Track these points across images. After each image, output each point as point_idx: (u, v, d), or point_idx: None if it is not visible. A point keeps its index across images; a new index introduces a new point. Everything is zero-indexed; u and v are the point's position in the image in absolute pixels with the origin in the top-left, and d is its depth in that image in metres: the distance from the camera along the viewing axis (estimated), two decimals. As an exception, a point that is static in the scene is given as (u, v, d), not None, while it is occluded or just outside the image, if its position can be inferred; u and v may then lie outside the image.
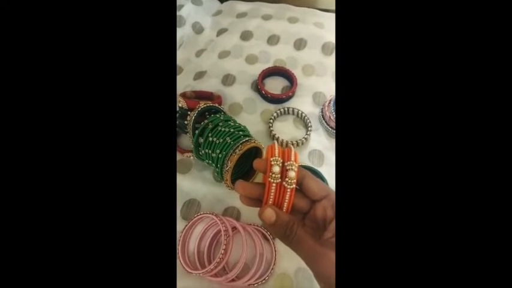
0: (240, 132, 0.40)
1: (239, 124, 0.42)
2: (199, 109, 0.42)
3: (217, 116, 0.42)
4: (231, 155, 0.38)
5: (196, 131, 0.41)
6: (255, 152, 0.44)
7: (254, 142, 0.39)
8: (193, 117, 0.42)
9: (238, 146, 0.38)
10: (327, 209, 0.24)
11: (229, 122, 0.41)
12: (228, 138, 0.38)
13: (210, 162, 0.40)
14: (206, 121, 0.40)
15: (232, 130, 0.39)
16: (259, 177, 0.45)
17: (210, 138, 0.39)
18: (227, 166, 0.38)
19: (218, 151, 0.38)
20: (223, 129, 0.39)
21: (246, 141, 0.39)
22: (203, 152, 0.40)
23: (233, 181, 0.42)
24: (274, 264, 0.38)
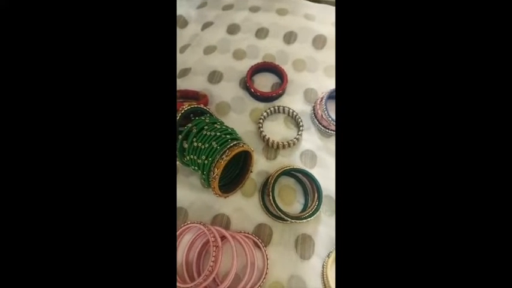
0: (227, 136, 0.37)
1: (226, 127, 0.39)
2: (182, 111, 0.39)
3: (203, 118, 0.39)
4: (217, 161, 0.35)
5: (180, 136, 0.38)
6: (244, 155, 0.42)
7: (242, 146, 0.37)
8: (176, 121, 0.39)
9: (225, 152, 0.35)
10: None
11: (215, 125, 0.39)
12: (214, 143, 0.36)
13: (196, 168, 0.38)
14: (190, 125, 0.38)
15: (218, 134, 0.37)
16: (248, 183, 0.43)
17: (195, 143, 0.37)
18: (214, 173, 0.35)
19: (204, 157, 0.36)
20: (208, 133, 0.37)
21: (234, 145, 0.37)
22: (188, 157, 0.38)
23: (221, 187, 0.40)
24: (266, 273, 0.36)
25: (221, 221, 0.40)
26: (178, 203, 0.41)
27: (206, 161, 0.36)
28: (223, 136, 0.37)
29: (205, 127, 0.37)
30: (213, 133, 0.37)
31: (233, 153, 0.35)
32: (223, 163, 0.35)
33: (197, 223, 0.37)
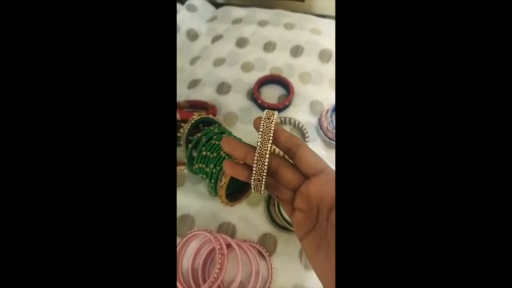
0: (235, 146, 0.39)
1: (234, 137, 0.41)
2: (193, 121, 0.41)
3: (212, 128, 0.41)
4: (225, 170, 0.36)
5: (190, 145, 0.39)
6: (251, 164, 0.43)
7: (249, 156, 0.38)
8: (186, 130, 0.40)
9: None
10: (324, 185, 0.21)
11: (223, 135, 0.40)
12: (222, 152, 0.37)
13: (204, 176, 0.39)
14: (200, 134, 0.39)
15: (226, 143, 0.38)
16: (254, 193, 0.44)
17: (204, 152, 0.38)
18: (221, 181, 0.36)
19: (212, 166, 0.37)
20: (217, 142, 0.38)
21: (241, 155, 0.38)
22: (197, 166, 0.39)
23: (228, 196, 0.41)
24: (270, 282, 0.37)
25: (227, 229, 0.41)
26: (186, 210, 0.42)
27: (214, 170, 0.37)
28: (231, 146, 0.38)
29: (214, 137, 0.39)
30: (221, 143, 0.38)
31: (240, 163, 0.37)
32: (230, 172, 0.36)
33: (203, 230, 0.38)
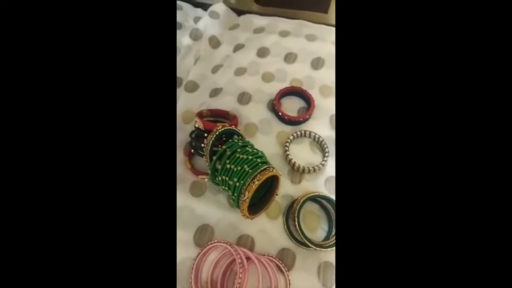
0: (258, 160, 0.39)
1: (257, 150, 0.41)
2: (217, 133, 0.41)
3: (235, 141, 0.41)
4: (248, 184, 0.37)
5: (214, 156, 0.40)
6: (271, 178, 0.43)
7: (272, 170, 0.39)
8: (210, 142, 0.41)
9: (256, 176, 0.37)
10: None
11: (247, 148, 0.40)
12: (246, 166, 0.38)
13: (226, 189, 0.40)
14: (224, 147, 0.40)
15: (250, 157, 0.39)
16: (273, 206, 0.44)
17: (228, 165, 0.38)
18: (244, 196, 0.37)
19: (236, 179, 0.37)
20: (241, 156, 0.39)
21: (264, 169, 0.38)
22: (220, 178, 0.39)
23: (249, 207, 0.41)
24: (288, 298, 0.37)
25: (246, 241, 0.41)
26: (205, 220, 0.43)
27: (238, 183, 0.37)
28: (255, 160, 0.39)
29: (238, 150, 0.39)
30: (245, 156, 0.38)
31: (264, 178, 0.37)
32: (254, 187, 0.36)
33: (223, 242, 0.39)
